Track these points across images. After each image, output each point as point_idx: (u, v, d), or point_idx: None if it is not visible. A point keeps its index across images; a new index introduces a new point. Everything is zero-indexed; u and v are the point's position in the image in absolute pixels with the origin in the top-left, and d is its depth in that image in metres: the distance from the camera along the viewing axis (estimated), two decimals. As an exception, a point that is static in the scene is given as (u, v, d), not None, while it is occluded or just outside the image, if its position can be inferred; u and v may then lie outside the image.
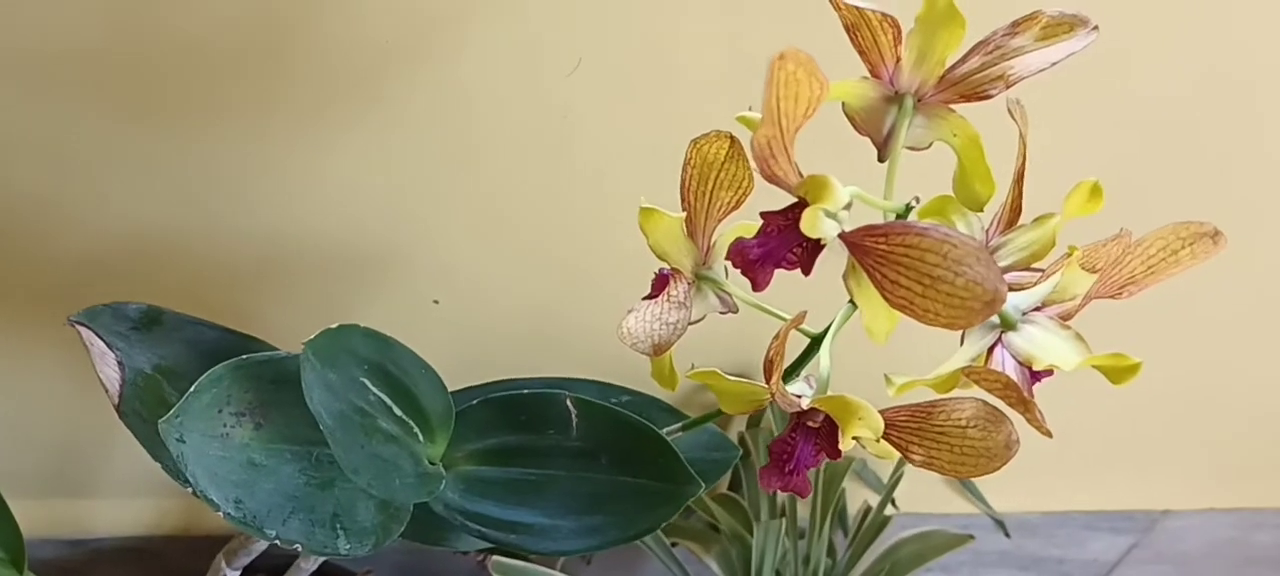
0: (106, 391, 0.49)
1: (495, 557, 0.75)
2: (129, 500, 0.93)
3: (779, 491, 0.38)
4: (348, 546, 0.46)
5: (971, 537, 0.83)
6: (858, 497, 0.92)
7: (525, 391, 0.50)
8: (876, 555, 0.82)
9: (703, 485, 0.47)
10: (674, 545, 0.83)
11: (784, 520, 0.79)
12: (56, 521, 0.94)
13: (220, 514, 0.42)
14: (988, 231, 0.38)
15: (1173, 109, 0.70)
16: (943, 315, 0.29)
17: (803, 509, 0.85)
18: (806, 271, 0.33)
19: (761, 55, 0.63)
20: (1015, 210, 0.38)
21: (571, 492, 0.49)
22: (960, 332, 0.36)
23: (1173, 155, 0.72)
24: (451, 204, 0.71)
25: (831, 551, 0.83)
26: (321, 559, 0.79)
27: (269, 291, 0.73)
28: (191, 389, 0.42)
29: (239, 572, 0.75)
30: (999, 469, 0.34)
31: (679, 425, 0.50)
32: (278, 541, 0.44)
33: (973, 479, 0.35)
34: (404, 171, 0.68)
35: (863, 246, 0.31)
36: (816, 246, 0.32)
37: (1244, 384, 0.92)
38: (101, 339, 0.49)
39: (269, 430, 0.45)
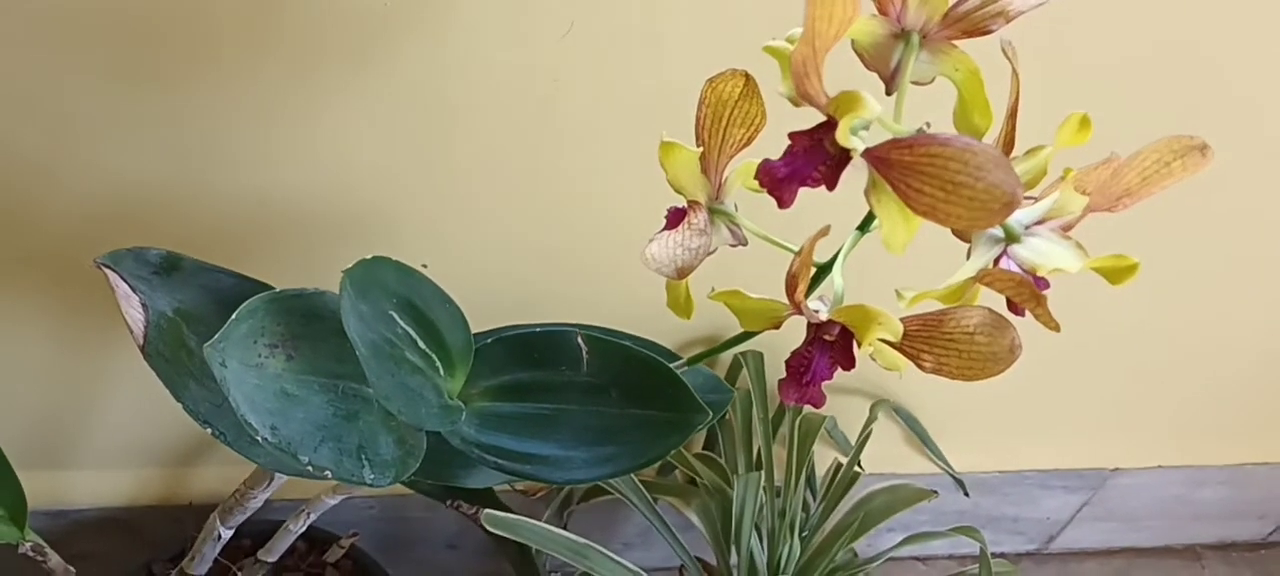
0: (131, 332, 0.51)
1: (487, 510, 0.77)
2: (110, 471, 0.93)
3: (797, 403, 0.41)
4: (372, 476, 0.48)
5: (935, 493, 0.87)
6: (827, 459, 0.96)
7: (538, 330, 0.52)
8: (847, 508, 0.86)
9: (710, 413, 0.49)
10: (656, 501, 0.85)
11: (762, 473, 0.82)
12: (37, 493, 0.93)
13: (259, 438, 0.44)
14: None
15: (1157, 52, 0.73)
16: (965, 217, 0.32)
17: (778, 470, 0.88)
18: (831, 186, 0.36)
19: (749, 18, 0.66)
20: (1009, 142, 0.41)
21: (584, 425, 0.51)
22: (967, 249, 0.39)
23: (1150, 96, 0.75)
24: (440, 167, 0.73)
25: (805, 506, 0.87)
26: (308, 523, 0.81)
27: (256, 250, 0.74)
28: (232, 318, 0.43)
29: (232, 531, 0.77)
30: (1003, 371, 0.37)
31: (682, 360, 0.52)
32: (310, 467, 0.46)
33: (978, 380, 0.38)
34: (392, 134, 0.70)
35: (888, 159, 0.34)
36: (844, 160, 0.35)
37: (1193, 346, 0.97)
38: (126, 281, 0.50)
39: (299, 362, 0.47)
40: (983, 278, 0.36)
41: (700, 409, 0.49)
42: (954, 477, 1.00)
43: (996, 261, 0.38)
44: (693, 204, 0.44)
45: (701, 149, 0.44)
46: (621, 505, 0.92)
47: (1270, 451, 1.09)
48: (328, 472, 0.47)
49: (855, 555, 0.86)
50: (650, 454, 0.50)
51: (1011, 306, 0.39)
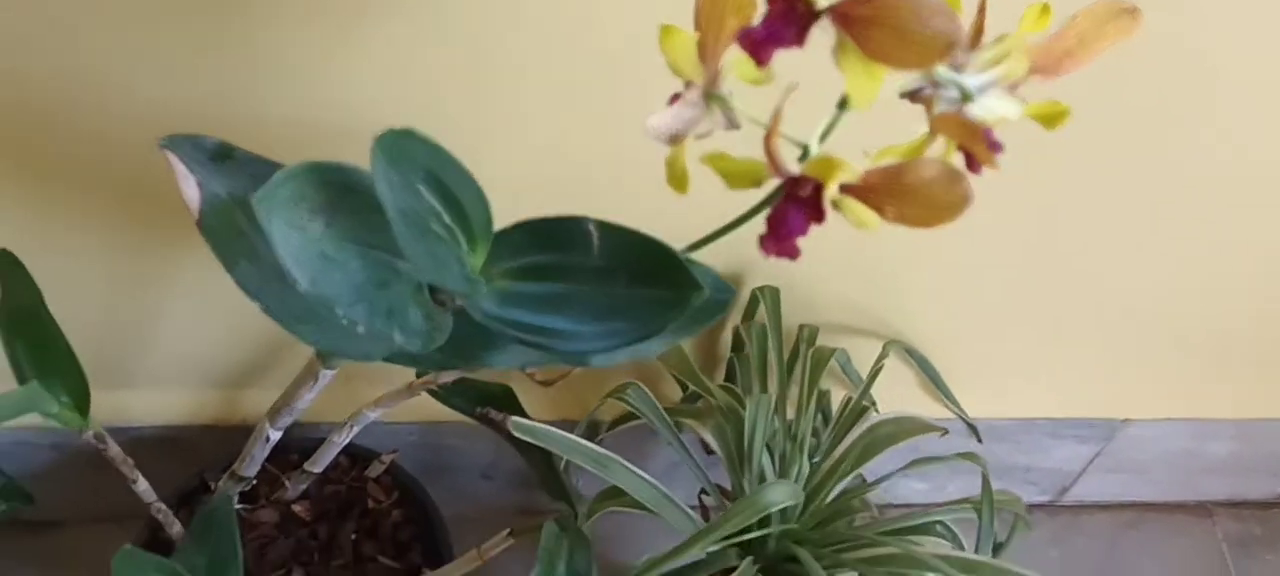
0: (189, 209, 0.56)
1: (513, 418, 0.82)
2: (167, 391, 1.00)
3: (775, 255, 0.46)
4: (402, 338, 0.54)
5: (944, 431, 0.91)
6: (840, 398, 1.00)
7: (553, 218, 0.58)
8: (855, 435, 0.90)
9: (706, 290, 0.54)
10: (680, 428, 0.90)
11: (774, 397, 0.86)
12: (97, 409, 1.00)
13: (300, 288, 0.49)
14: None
15: None
16: (915, 58, 0.37)
17: (790, 405, 0.93)
18: (800, 43, 0.41)
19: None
20: (978, 31, 0.46)
21: (594, 303, 0.56)
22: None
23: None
24: (468, 96, 0.78)
25: (816, 432, 0.91)
26: (351, 436, 0.87)
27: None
28: (273, 179, 0.49)
29: (281, 432, 0.83)
30: (957, 218, 0.42)
31: (685, 247, 0.57)
32: (345, 320, 0.52)
33: (935, 226, 0.42)
34: (418, 64, 0.75)
35: (849, 15, 0.39)
36: (811, 18, 0.40)
37: (1203, 297, 1.00)
38: (183, 163, 0.56)
39: (336, 229, 0.52)
40: (936, 126, 0.41)
41: (697, 286, 0.54)
42: (966, 422, 1.04)
43: (952, 119, 0.42)
44: (688, 83, 0.49)
45: (698, 37, 0.49)
46: (648, 441, 0.98)
47: (1280, 407, 1.11)
48: (360, 327, 0.52)
49: (863, 479, 0.90)
50: (652, 326, 0.55)
51: (969, 164, 0.43)
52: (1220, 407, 1.10)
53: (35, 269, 0.74)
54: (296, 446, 0.94)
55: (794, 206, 0.45)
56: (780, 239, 0.45)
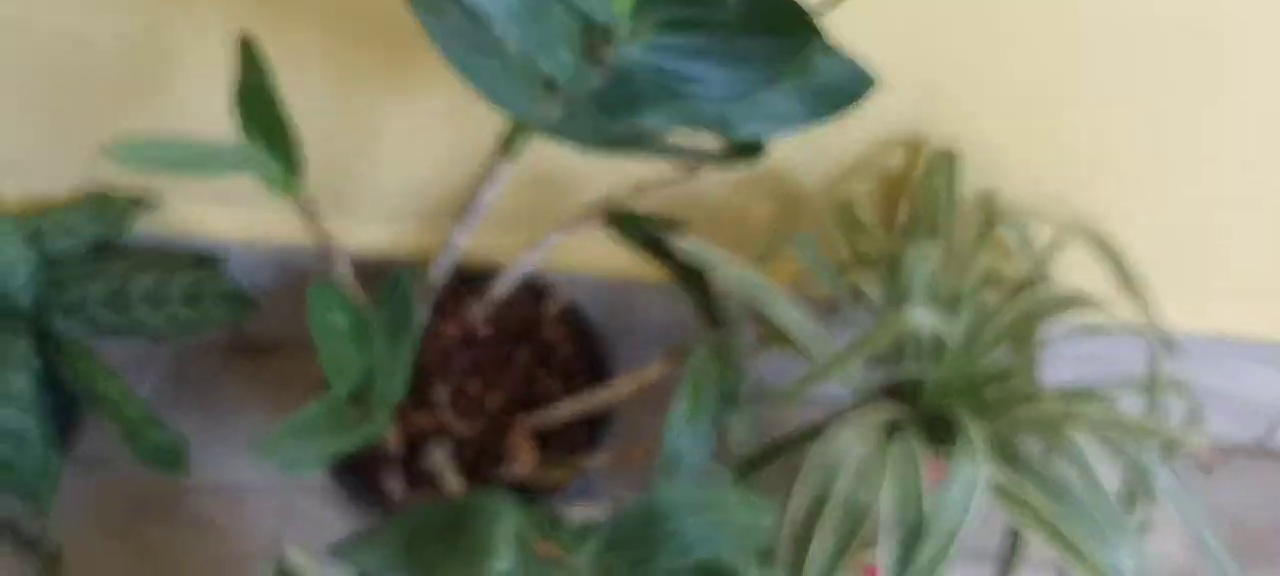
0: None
1: (683, 239, 0.86)
2: (370, 223, 1.09)
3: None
4: (549, 66, 0.59)
5: (1111, 316, 0.88)
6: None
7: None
8: (1022, 304, 0.88)
9: (821, 35, 0.57)
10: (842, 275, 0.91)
11: (938, 248, 0.86)
12: (307, 233, 1.11)
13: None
14: None
15: None
16: None
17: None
18: None
19: None
20: None
21: (727, 53, 0.60)
22: None
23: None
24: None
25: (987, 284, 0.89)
26: (534, 262, 0.93)
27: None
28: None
29: (466, 237, 0.90)
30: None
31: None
32: (499, 39, 0.57)
33: None
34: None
35: None
36: None
37: None
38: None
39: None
40: None
41: (815, 32, 0.57)
42: (1156, 332, 0.99)
43: None
44: None
45: None
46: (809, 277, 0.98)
47: None
48: (512, 47, 0.58)
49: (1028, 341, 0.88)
50: (777, 71, 0.58)
51: None
52: None
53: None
54: (484, 278, 1.01)
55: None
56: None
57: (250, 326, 1.23)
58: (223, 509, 1.15)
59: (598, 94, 0.63)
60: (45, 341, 1.02)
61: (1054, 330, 0.89)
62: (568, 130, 0.70)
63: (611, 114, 0.64)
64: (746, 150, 0.73)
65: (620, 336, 1.12)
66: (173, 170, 0.72)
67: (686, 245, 0.84)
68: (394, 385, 0.79)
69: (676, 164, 0.80)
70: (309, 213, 0.85)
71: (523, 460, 0.94)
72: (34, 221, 1.04)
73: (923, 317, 0.75)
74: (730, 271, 0.83)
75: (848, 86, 0.64)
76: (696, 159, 0.74)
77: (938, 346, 0.84)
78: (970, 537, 0.77)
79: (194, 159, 0.72)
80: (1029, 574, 0.90)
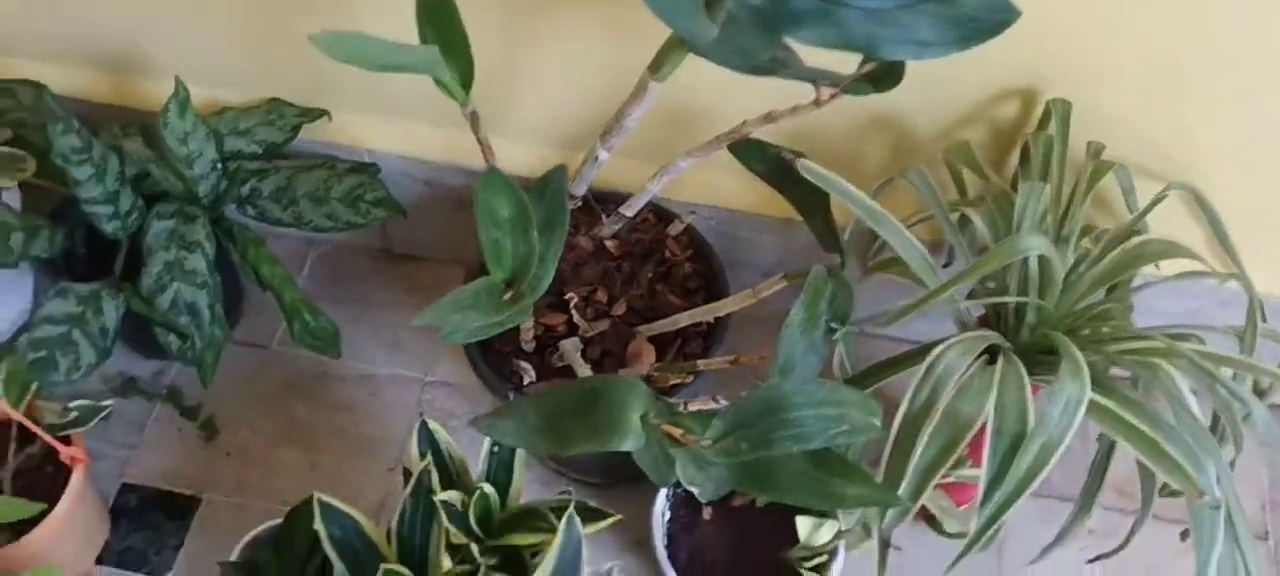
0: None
1: (804, 160, 0.93)
2: (518, 144, 1.18)
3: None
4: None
5: (1215, 271, 0.93)
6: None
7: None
8: (1123, 250, 0.93)
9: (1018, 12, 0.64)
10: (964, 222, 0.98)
11: (1048, 190, 0.92)
12: (460, 149, 1.21)
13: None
14: None
15: None
16: None
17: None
18: None
19: None
20: None
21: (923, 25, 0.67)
22: None
23: None
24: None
25: (1086, 235, 0.95)
26: (663, 184, 1.00)
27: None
28: None
29: (609, 153, 0.98)
30: None
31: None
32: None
33: None
34: None
35: None
36: None
37: None
38: None
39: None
40: None
41: (1011, 9, 0.64)
42: (1250, 296, 1.03)
43: None
44: None
45: None
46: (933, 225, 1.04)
47: None
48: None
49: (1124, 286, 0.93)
50: (964, 42, 0.65)
51: None
52: None
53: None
54: (614, 200, 1.10)
55: None
56: None
57: (396, 236, 1.34)
58: (362, 396, 1.26)
59: (758, 10, 0.70)
60: (219, 228, 1.14)
61: (1149, 279, 0.94)
62: (718, 51, 0.78)
63: (770, 30, 0.71)
64: (886, 76, 0.79)
65: (728, 268, 1.19)
66: (367, 64, 0.80)
67: (813, 168, 0.91)
68: (543, 275, 0.88)
69: (813, 90, 0.86)
70: (474, 121, 0.94)
71: (643, 362, 1.03)
72: (214, 121, 1.15)
73: (1037, 243, 0.82)
74: (852, 195, 0.90)
75: (989, 16, 0.70)
76: (835, 83, 0.80)
77: (1042, 279, 0.90)
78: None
79: (387, 57, 0.81)
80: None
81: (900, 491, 0.83)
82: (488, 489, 0.94)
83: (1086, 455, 0.95)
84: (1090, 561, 1.05)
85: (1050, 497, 1.15)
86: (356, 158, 1.21)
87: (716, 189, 1.15)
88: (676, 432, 0.83)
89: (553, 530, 0.92)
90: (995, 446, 0.83)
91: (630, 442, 0.80)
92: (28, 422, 1.01)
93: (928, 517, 1.12)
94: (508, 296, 0.87)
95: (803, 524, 1.00)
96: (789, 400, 0.80)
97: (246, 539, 1.04)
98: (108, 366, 1.09)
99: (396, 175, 1.21)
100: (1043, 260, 0.89)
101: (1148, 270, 0.93)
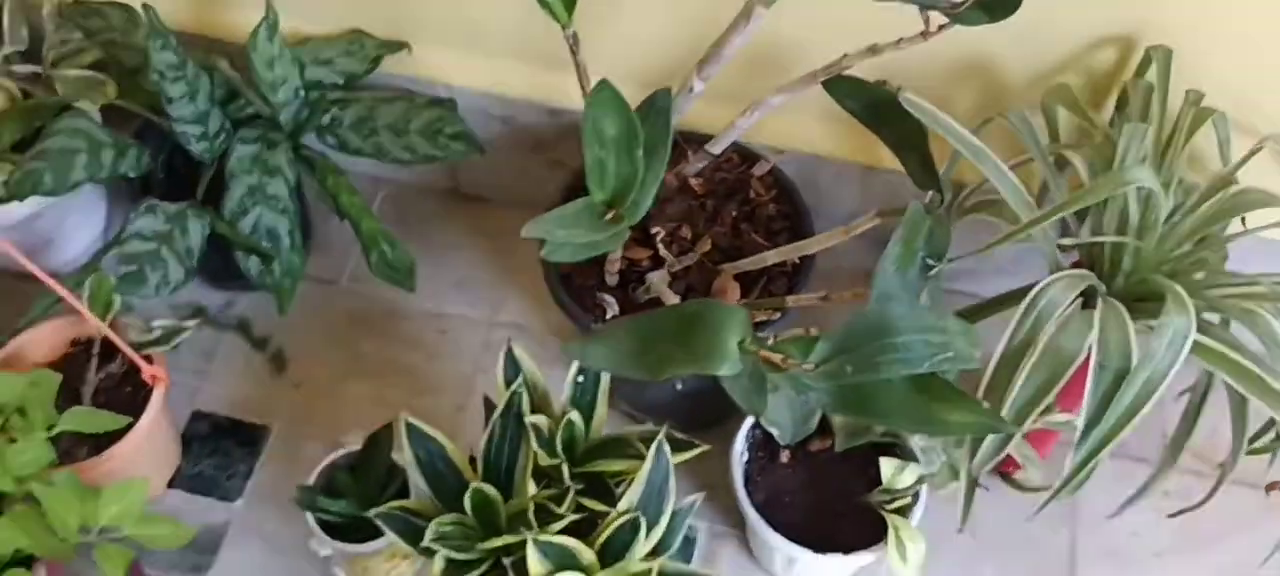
0: None
1: (906, 93, 0.92)
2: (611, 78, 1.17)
3: None
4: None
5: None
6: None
7: None
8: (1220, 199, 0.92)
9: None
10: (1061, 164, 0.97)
11: (1147, 126, 0.91)
12: (540, 86, 1.21)
13: None
14: None
15: None
16: None
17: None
18: None
19: None
20: None
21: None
22: None
23: None
24: None
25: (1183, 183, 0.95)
26: (752, 121, 1.00)
27: None
28: None
29: (705, 82, 0.98)
30: None
31: None
32: None
33: None
34: None
35: None
36: None
37: None
38: None
39: None
40: None
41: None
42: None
43: None
44: None
45: None
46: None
47: None
48: None
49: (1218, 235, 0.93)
50: None
51: None
52: None
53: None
54: (696, 141, 1.09)
55: None
56: None
57: (465, 177, 1.34)
58: (431, 334, 1.26)
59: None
60: (299, 156, 1.14)
61: (1242, 228, 0.94)
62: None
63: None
64: (1000, 4, 0.79)
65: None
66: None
67: (918, 102, 0.91)
68: (643, 199, 0.87)
69: (918, 21, 0.86)
70: (573, 44, 0.93)
71: (728, 299, 1.02)
72: (297, 51, 1.15)
73: (1145, 175, 0.81)
74: (955, 131, 0.90)
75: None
76: (950, 7, 0.80)
77: (1141, 222, 0.90)
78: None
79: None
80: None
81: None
82: (574, 416, 0.94)
83: (1161, 419, 0.95)
84: (1172, 515, 1.05)
85: (1125, 458, 1.15)
86: (434, 93, 1.21)
87: (795, 134, 1.15)
88: (776, 358, 0.82)
89: (639, 458, 0.92)
90: (1097, 381, 0.83)
91: (728, 367, 0.80)
92: (113, 336, 1.01)
93: (1002, 471, 1.12)
94: (608, 217, 0.87)
95: (886, 465, 1.00)
96: (896, 324, 0.79)
97: (323, 463, 1.04)
98: (176, 296, 1.10)
99: (473, 112, 1.21)
100: (1147, 196, 0.89)
101: (1233, 224, 0.93)
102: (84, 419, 0.97)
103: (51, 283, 0.95)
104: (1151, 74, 0.97)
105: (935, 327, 0.80)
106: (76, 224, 1.24)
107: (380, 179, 1.34)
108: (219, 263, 1.13)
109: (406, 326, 1.26)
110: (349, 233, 1.17)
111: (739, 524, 1.14)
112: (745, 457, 1.06)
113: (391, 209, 1.34)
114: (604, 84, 0.84)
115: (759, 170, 1.11)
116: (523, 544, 0.85)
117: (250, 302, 1.25)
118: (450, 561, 0.89)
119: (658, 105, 0.88)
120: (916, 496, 1.01)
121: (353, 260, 1.29)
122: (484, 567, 0.90)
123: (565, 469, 0.90)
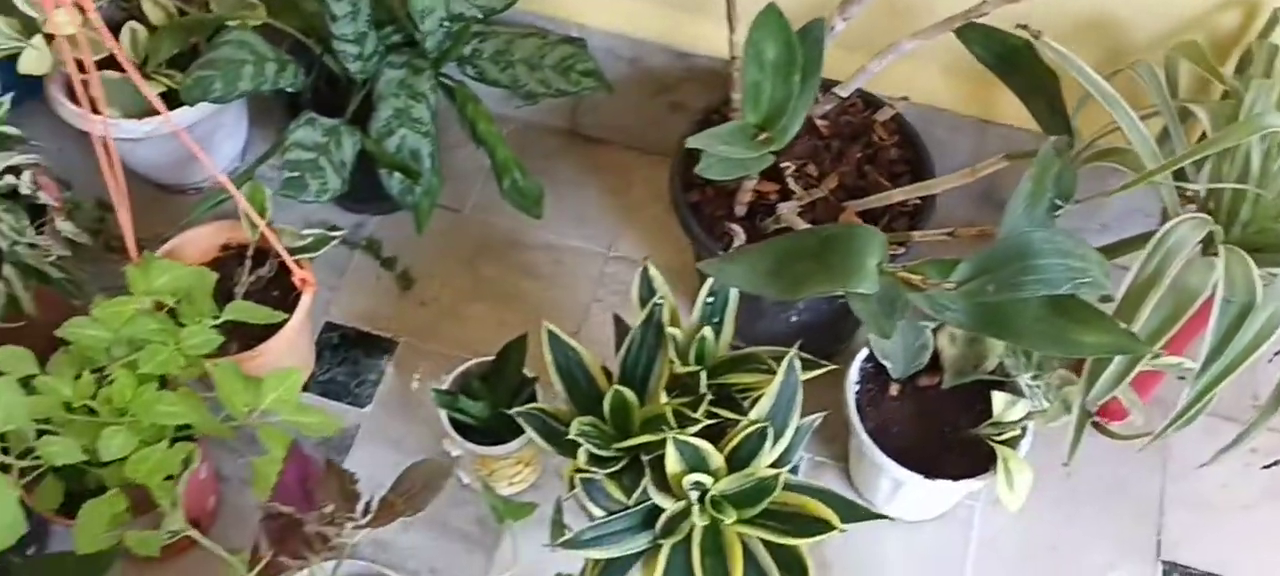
0: None
1: (1045, 38, 0.96)
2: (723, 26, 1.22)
3: None
4: None
5: None
6: None
7: None
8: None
9: None
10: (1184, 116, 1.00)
11: (1274, 82, 0.95)
12: (670, 29, 1.26)
13: None
14: None
15: None
16: None
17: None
18: None
19: None
20: None
21: None
22: None
23: None
24: None
25: None
26: (884, 66, 1.04)
27: None
28: None
29: (846, 22, 1.02)
30: None
31: None
32: None
33: None
34: None
35: None
36: None
37: None
38: None
39: None
40: None
41: None
42: None
43: None
44: None
45: None
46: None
47: None
48: None
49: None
50: None
51: None
52: None
53: None
54: (825, 85, 1.14)
55: None
56: None
57: (585, 118, 1.40)
58: (549, 264, 1.31)
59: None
60: (440, 83, 1.19)
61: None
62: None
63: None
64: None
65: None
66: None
67: (1055, 47, 0.95)
68: (792, 124, 0.92)
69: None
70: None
71: (853, 235, 1.07)
72: (439, -18, 1.21)
73: (1277, 120, 0.85)
74: (1089, 76, 0.94)
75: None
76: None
77: (1262, 170, 0.93)
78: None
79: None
80: None
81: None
82: (707, 332, 0.99)
83: (1253, 381, 0.97)
84: (1266, 466, 1.08)
85: (1216, 416, 1.18)
86: (564, 32, 1.26)
87: (916, 86, 1.19)
88: (915, 279, 0.87)
89: (768, 373, 0.97)
90: (1222, 315, 0.87)
91: (867, 285, 0.84)
92: (272, 237, 1.07)
93: (1096, 422, 1.16)
94: (759, 138, 0.92)
95: (998, 398, 1.04)
96: (1036, 247, 0.84)
97: (456, 371, 1.10)
98: (310, 214, 1.15)
99: (600, 52, 1.26)
100: (1269, 149, 0.92)
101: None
102: (246, 310, 1.03)
103: (227, 183, 1.01)
104: (1277, 35, 1.01)
105: (1075, 254, 0.84)
106: (223, 138, 1.30)
107: (504, 117, 1.39)
108: (355, 183, 1.19)
109: (526, 256, 1.32)
110: (474, 163, 1.23)
111: (840, 455, 1.19)
112: (857, 388, 1.11)
113: (514, 145, 1.39)
114: (771, 7, 0.89)
115: (882, 116, 1.15)
116: (657, 444, 0.91)
117: (379, 225, 1.31)
118: (591, 455, 0.94)
119: (813, 34, 0.93)
120: (1024, 430, 1.05)
121: (476, 189, 1.35)
122: (621, 464, 0.95)
123: (702, 376, 0.95)
